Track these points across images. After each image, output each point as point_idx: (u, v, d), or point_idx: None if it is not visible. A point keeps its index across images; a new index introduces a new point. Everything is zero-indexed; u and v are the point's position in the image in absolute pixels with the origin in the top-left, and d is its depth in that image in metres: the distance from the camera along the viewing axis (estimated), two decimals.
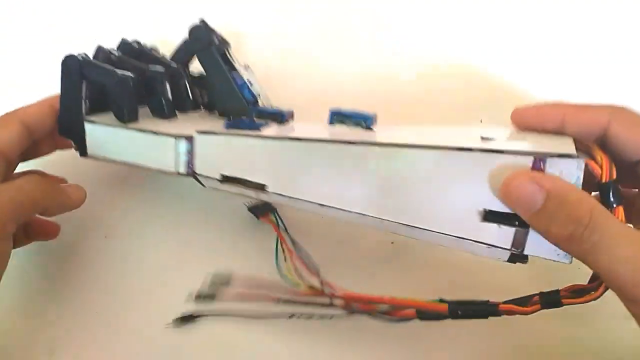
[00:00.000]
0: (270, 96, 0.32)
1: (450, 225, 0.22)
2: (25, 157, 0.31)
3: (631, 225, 0.20)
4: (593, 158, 0.21)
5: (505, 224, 0.21)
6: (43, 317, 0.33)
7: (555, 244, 0.20)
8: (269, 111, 0.29)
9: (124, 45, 0.31)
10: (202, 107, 0.32)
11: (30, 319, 0.34)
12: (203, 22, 0.30)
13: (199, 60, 0.30)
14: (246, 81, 0.29)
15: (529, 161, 0.20)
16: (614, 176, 0.20)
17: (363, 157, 0.24)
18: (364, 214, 0.24)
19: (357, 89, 0.37)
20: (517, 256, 0.22)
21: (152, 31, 0.36)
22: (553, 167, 0.20)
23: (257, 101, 0.30)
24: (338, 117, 0.27)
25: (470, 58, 0.38)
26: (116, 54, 0.31)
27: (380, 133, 0.26)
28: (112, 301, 0.34)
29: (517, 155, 0.21)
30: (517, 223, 0.21)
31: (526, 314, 0.23)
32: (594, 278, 0.22)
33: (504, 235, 0.21)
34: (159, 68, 0.30)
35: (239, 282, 0.30)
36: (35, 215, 0.28)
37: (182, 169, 0.28)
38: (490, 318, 0.23)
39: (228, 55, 0.30)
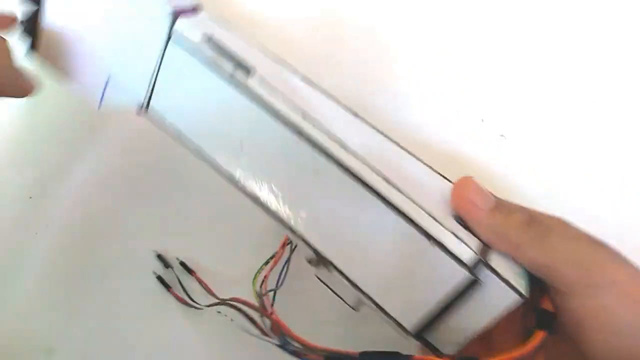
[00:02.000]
0: None
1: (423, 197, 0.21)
2: None
3: None
4: None
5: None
6: (41, 316, 0.34)
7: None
8: None
9: None
10: None
11: (28, 318, 0.34)
12: None
13: None
14: None
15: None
16: None
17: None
18: None
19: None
20: (477, 268, 0.20)
21: None
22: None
23: None
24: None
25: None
26: None
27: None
28: (111, 300, 0.35)
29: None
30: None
31: None
32: None
33: (471, 239, 0.21)
34: None
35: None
36: None
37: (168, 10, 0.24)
38: None
39: None
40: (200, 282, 0.34)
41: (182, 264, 0.35)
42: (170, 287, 0.35)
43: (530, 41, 0.37)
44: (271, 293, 0.30)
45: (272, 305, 0.29)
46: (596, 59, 0.36)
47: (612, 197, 0.33)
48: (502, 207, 0.21)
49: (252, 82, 0.23)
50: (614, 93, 0.36)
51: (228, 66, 0.23)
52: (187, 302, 0.34)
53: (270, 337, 0.27)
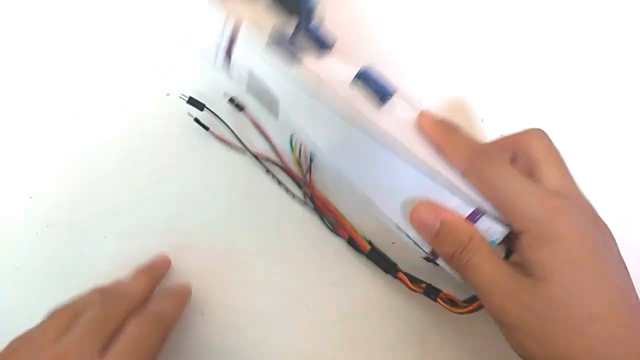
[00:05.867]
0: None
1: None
2: None
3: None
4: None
5: None
6: (42, 316, 0.31)
7: (446, 261, 0.26)
8: (315, 35, 0.29)
9: None
10: None
11: (29, 318, 0.31)
12: None
13: None
14: None
15: (470, 208, 0.25)
16: None
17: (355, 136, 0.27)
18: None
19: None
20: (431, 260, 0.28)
21: None
22: (484, 223, 0.25)
23: (313, 10, 0.30)
24: (362, 79, 0.28)
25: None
26: None
27: (384, 114, 0.28)
28: None
29: (467, 197, 0.25)
30: None
31: (411, 289, 0.31)
32: (469, 300, 0.29)
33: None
34: None
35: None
36: None
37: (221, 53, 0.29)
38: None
39: None
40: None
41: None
42: (209, 128, 0.36)
43: (530, 42, 0.38)
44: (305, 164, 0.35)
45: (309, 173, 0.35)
46: (595, 60, 0.37)
47: (611, 196, 0.34)
48: (440, 233, 0.26)
49: (280, 114, 0.29)
50: (612, 93, 0.37)
51: (265, 98, 0.30)
52: (227, 140, 0.36)
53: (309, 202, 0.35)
